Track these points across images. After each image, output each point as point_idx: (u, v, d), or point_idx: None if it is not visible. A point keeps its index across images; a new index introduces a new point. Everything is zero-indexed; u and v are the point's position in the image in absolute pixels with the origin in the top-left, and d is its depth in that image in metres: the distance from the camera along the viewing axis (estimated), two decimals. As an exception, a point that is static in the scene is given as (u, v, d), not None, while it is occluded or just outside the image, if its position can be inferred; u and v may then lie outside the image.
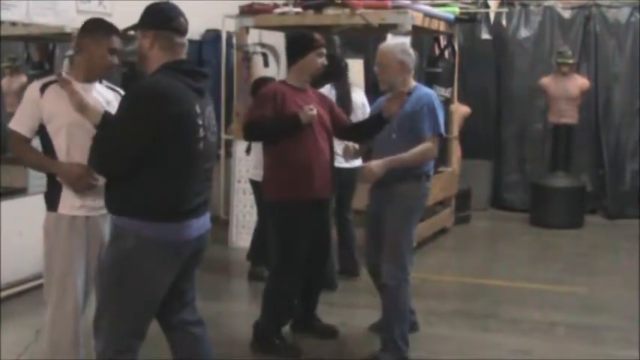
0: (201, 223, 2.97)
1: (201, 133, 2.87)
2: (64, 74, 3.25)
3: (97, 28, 3.23)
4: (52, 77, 3.27)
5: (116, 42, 3.22)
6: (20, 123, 3.21)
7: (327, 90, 5.44)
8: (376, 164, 4.02)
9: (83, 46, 3.22)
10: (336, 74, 5.57)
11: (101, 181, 3.07)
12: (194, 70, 2.95)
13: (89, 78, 3.25)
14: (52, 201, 3.22)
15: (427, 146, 4.06)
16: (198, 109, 2.86)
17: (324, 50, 4.20)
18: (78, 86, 3.18)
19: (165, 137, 2.76)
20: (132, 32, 3.00)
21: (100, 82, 3.33)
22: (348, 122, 4.49)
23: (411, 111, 4.06)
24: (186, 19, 2.96)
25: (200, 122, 2.86)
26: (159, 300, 2.94)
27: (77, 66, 3.30)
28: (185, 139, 2.82)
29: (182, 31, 2.94)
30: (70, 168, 3.16)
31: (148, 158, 2.77)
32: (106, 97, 3.29)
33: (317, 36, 4.22)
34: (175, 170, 2.81)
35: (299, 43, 4.19)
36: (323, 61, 4.20)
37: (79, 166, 3.15)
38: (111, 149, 2.82)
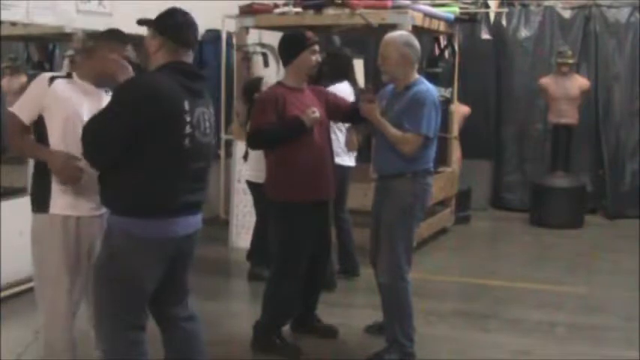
0: (190, 222, 3.00)
1: (188, 129, 2.88)
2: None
3: (113, 36, 3.25)
4: (62, 72, 3.27)
5: (129, 52, 3.24)
6: (22, 109, 3.17)
7: (347, 88, 5.43)
8: (373, 110, 3.98)
9: (95, 50, 3.21)
10: (345, 72, 5.58)
11: (90, 179, 3.05)
12: (190, 71, 2.98)
13: (99, 83, 3.23)
14: (41, 202, 3.17)
15: (407, 138, 3.95)
16: (186, 106, 2.88)
17: (316, 47, 4.17)
18: (90, 88, 3.20)
19: (151, 127, 2.80)
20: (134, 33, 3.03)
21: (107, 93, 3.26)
22: (348, 106, 4.38)
23: (405, 106, 3.99)
24: (196, 32, 3.01)
25: (187, 119, 2.88)
26: (148, 294, 2.99)
27: (86, 70, 3.24)
28: (170, 132, 2.85)
29: (190, 45, 3.00)
30: (57, 155, 3.12)
31: (135, 153, 2.82)
32: None
33: (308, 34, 4.19)
34: (161, 168, 2.85)
35: (291, 44, 4.17)
36: (317, 58, 4.18)
37: (65, 154, 3.11)
38: (98, 133, 2.85)
